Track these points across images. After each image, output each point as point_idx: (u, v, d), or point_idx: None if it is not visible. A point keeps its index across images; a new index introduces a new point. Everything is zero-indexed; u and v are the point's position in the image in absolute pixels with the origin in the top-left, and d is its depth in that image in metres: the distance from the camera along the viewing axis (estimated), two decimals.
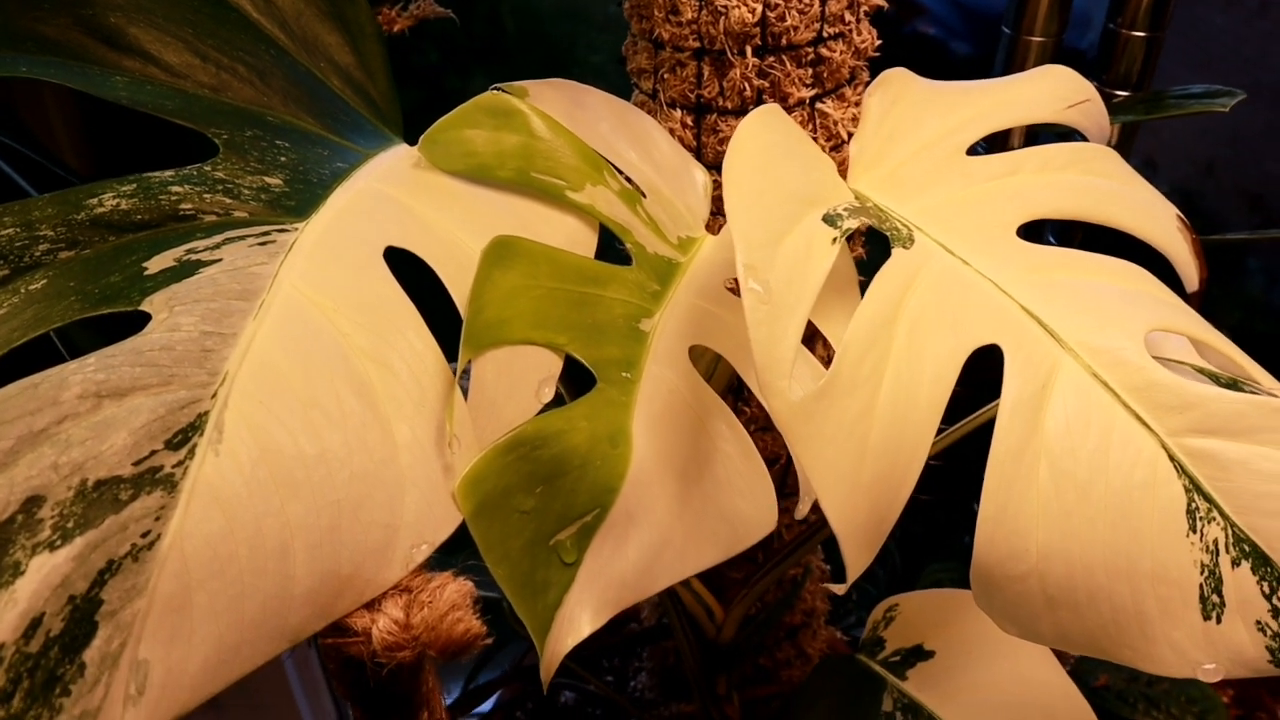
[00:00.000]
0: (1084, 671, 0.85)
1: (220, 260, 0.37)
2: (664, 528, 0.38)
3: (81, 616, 0.28)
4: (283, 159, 0.42)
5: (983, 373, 0.40)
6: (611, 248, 0.45)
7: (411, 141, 0.45)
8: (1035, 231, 0.71)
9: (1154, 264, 0.45)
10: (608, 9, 0.91)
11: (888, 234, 0.41)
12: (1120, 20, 0.60)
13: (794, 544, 0.57)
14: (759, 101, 0.49)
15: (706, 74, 0.49)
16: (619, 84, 0.52)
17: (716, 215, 0.50)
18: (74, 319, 0.34)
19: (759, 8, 0.46)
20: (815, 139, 0.51)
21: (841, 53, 0.49)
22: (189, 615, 0.30)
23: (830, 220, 0.39)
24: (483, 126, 0.43)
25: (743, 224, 0.36)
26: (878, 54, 0.51)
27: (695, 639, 0.62)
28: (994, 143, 0.66)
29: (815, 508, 0.37)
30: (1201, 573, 0.37)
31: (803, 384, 0.35)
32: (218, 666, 0.30)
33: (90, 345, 0.33)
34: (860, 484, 0.35)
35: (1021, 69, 0.60)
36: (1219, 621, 0.37)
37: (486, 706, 0.78)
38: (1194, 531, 0.37)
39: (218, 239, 0.38)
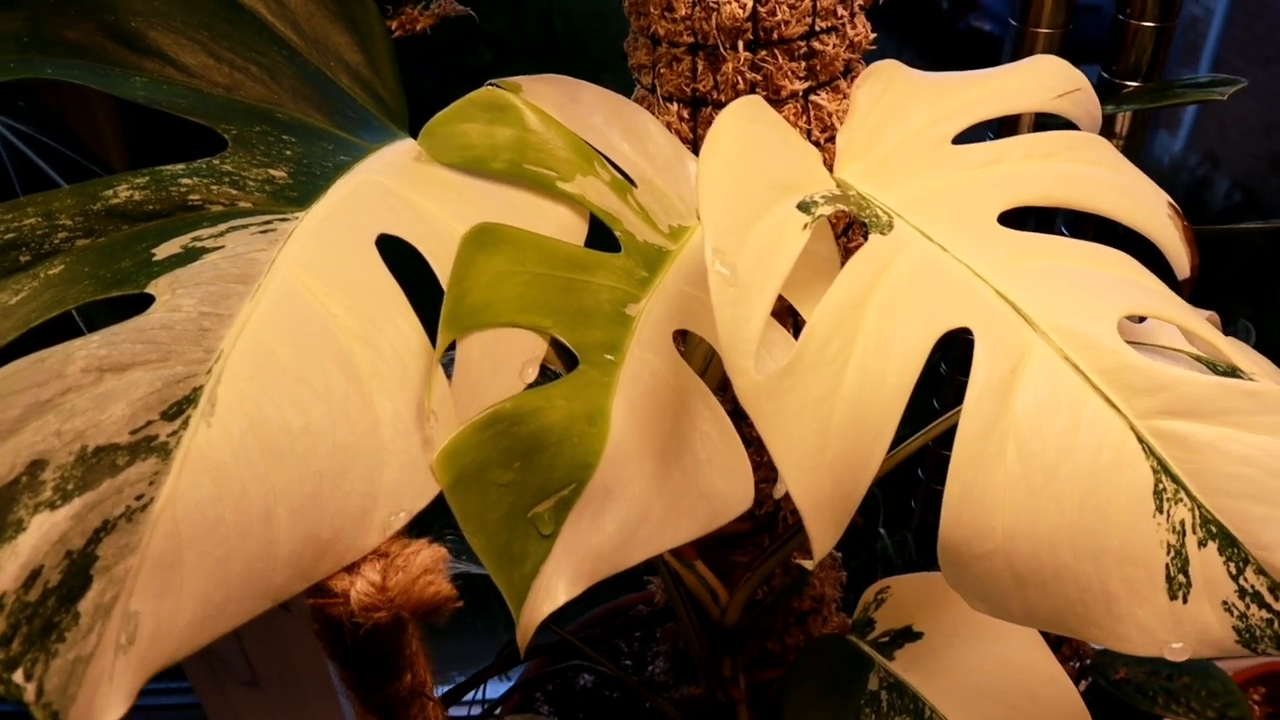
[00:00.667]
0: (1104, 665, 0.84)
1: (223, 247, 0.39)
2: (641, 503, 0.40)
3: (78, 570, 0.30)
4: (288, 153, 0.44)
5: None
6: (610, 239, 0.47)
7: None
8: (1020, 223, 0.70)
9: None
10: None
11: (866, 221, 0.43)
12: (1129, 11, 0.60)
13: (797, 528, 0.58)
14: (752, 94, 0.50)
15: (701, 68, 0.50)
16: None
17: None
18: (87, 301, 0.36)
19: (750, 3, 0.47)
20: (810, 131, 0.52)
21: (835, 46, 0.50)
22: (178, 573, 0.32)
23: (804, 207, 0.40)
24: (478, 121, 0.45)
25: (714, 210, 0.37)
26: (873, 47, 0.52)
27: (700, 621, 0.63)
28: (1002, 134, 0.66)
29: None
30: (1168, 553, 0.38)
31: (777, 362, 0.37)
32: (204, 621, 0.32)
33: (106, 325, 0.36)
34: (824, 461, 0.37)
35: None
36: (1185, 601, 0.38)
37: (497, 692, 0.80)
38: (1161, 512, 0.38)
39: (222, 227, 0.40)
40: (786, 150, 0.42)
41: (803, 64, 0.50)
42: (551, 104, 0.46)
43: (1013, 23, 0.63)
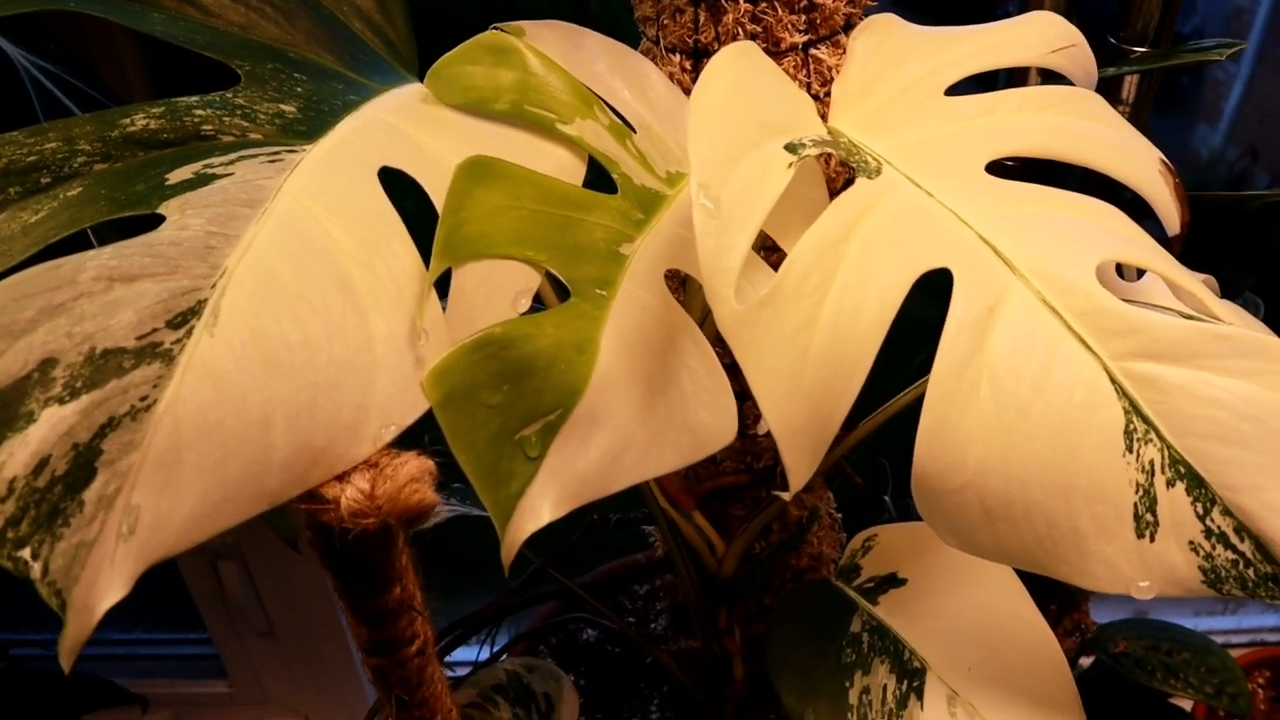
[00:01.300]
0: (1104, 639, 0.85)
1: (233, 174, 0.41)
2: (627, 431, 0.41)
3: (83, 462, 0.32)
4: (299, 90, 0.46)
5: None
6: (608, 184, 0.48)
7: None
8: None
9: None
10: None
11: (856, 167, 0.44)
12: None
13: None
14: None
15: (703, 20, 0.51)
16: None
17: None
18: (102, 220, 0.38)
19: None
20: (809, 85, 0.53)
21: (835, 0, 0.51)
22: (178, 471, 0.34)
23: (792, 148, 0.41)
24: (482, 63, 0.46)
25: (701, 145, 0.38)
26: (874, 2, 0.53)
27: (697, 572, 0.65)
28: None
29: None
30: (1136, 492, 0.39)
31: (759, 295, 0.38)
32: (202, 518, 0.34)
33: None
34: (800, 390, 0.38)
35: None
36: (1152, 540, 0.39)
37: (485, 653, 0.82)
38: (1131, 452, 0.39)
39: (233, 156, 0.42)
40: (778, 95, 0.43)
41: (803, 17, 0.51)
42: (555, 50, 0.48)
43: None
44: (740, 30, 0.50)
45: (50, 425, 0.32)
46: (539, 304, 0.45)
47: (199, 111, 0.43)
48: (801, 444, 0.38)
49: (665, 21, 0.52)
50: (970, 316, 0.39)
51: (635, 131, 0.49)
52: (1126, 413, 0.39)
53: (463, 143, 0.45)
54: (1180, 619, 0.88)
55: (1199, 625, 1.12)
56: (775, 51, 0.51)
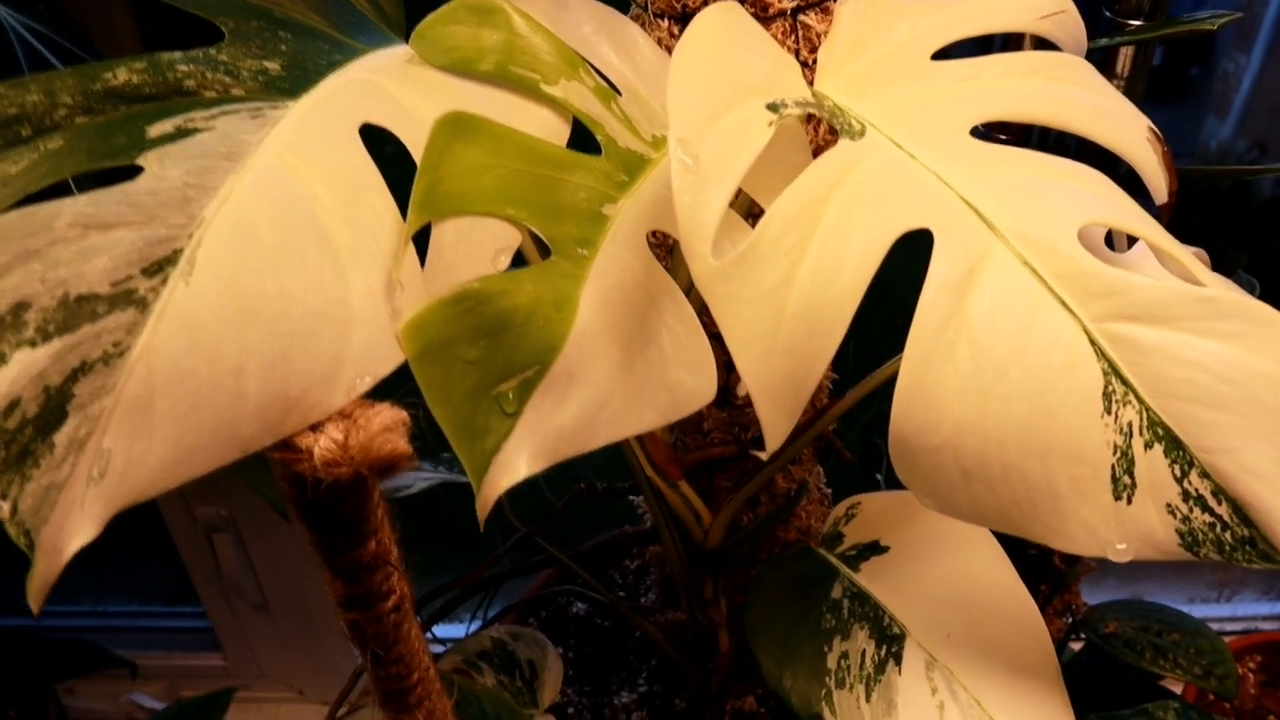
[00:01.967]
0: (1094, 620, 0.85)
1: (214, 129, 0.41)
2: (605, 389, 0.41)
3: (54, 405, 0.32)
4: (283, 48, 0.45)
5: None
6: (593, 147, 0.48)
7: None
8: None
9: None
10: None
11: (839, 129, 0.43)
12: None
13: (780, 451, 0.59)
14: None
15: None
16: None
17: None
18: (81, 171, 0.38)
19: None
20: (798, 51, 0.52)
21: None
22: (150, 417, 0.34)
23: (773, 107, 0.41)
24: (466, 23, 0.46)
25: (681, 102, 0.38)
26: None
27: (683, 542, 0.65)
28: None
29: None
30: (1114, 454, 0.38)
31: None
32: (174, 464, 0.34)
33: None
34: (776, 346, 0.38)
35: None
36: (1130, 502, 0.39)
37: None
38: (1109, 413, 0.39)
39: (215, 111, 0.42)
40: (762, 56, 0.43)
41: None
42: (541, 11, 0.48)
43: None
44: None
45: (21, 367, 0.32)
46: (523, 264, 0.45)
47: (182, 67, 0.43)
48: (778, 401, 0.38)
49: None
50: (950, 277, 0.39)
51: (621, 95, 0.48)
52: (1105, 374, 0.39)
53: (447, 102, 0.44)
54: (1175, 606, 0.88)
55: (1194, 613, 1.12)
56: (763, 17, 0.51)
